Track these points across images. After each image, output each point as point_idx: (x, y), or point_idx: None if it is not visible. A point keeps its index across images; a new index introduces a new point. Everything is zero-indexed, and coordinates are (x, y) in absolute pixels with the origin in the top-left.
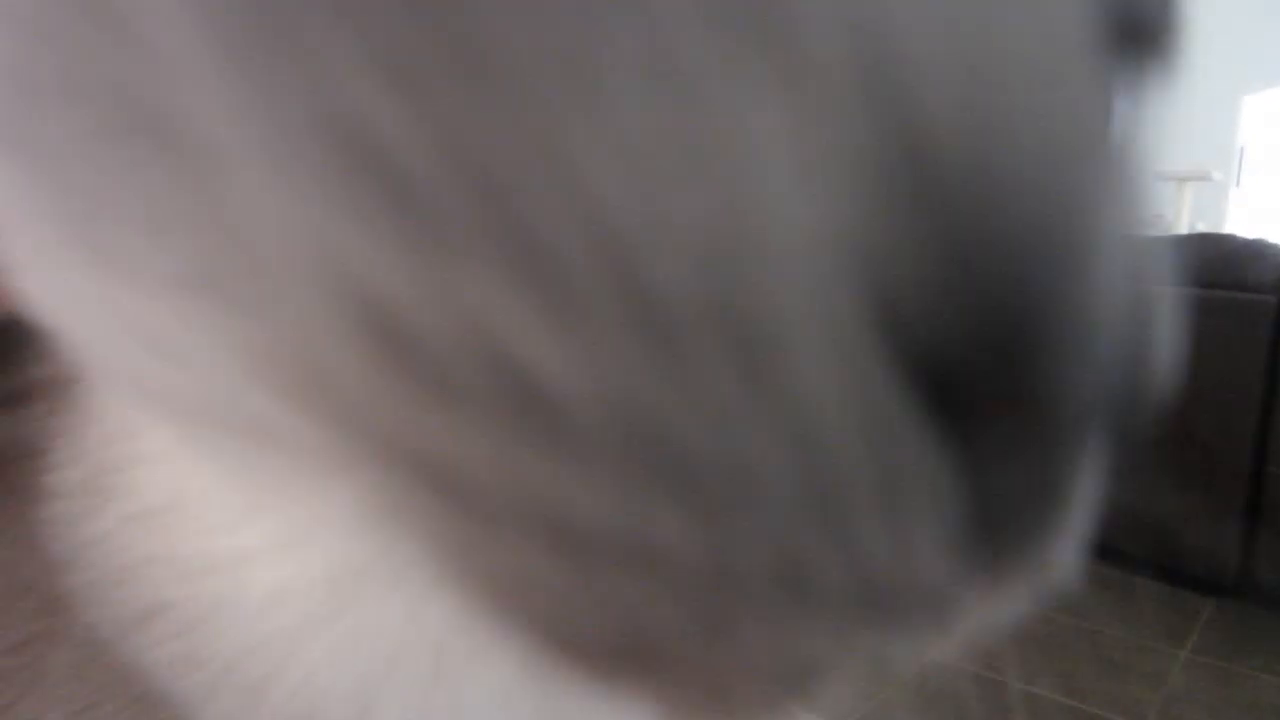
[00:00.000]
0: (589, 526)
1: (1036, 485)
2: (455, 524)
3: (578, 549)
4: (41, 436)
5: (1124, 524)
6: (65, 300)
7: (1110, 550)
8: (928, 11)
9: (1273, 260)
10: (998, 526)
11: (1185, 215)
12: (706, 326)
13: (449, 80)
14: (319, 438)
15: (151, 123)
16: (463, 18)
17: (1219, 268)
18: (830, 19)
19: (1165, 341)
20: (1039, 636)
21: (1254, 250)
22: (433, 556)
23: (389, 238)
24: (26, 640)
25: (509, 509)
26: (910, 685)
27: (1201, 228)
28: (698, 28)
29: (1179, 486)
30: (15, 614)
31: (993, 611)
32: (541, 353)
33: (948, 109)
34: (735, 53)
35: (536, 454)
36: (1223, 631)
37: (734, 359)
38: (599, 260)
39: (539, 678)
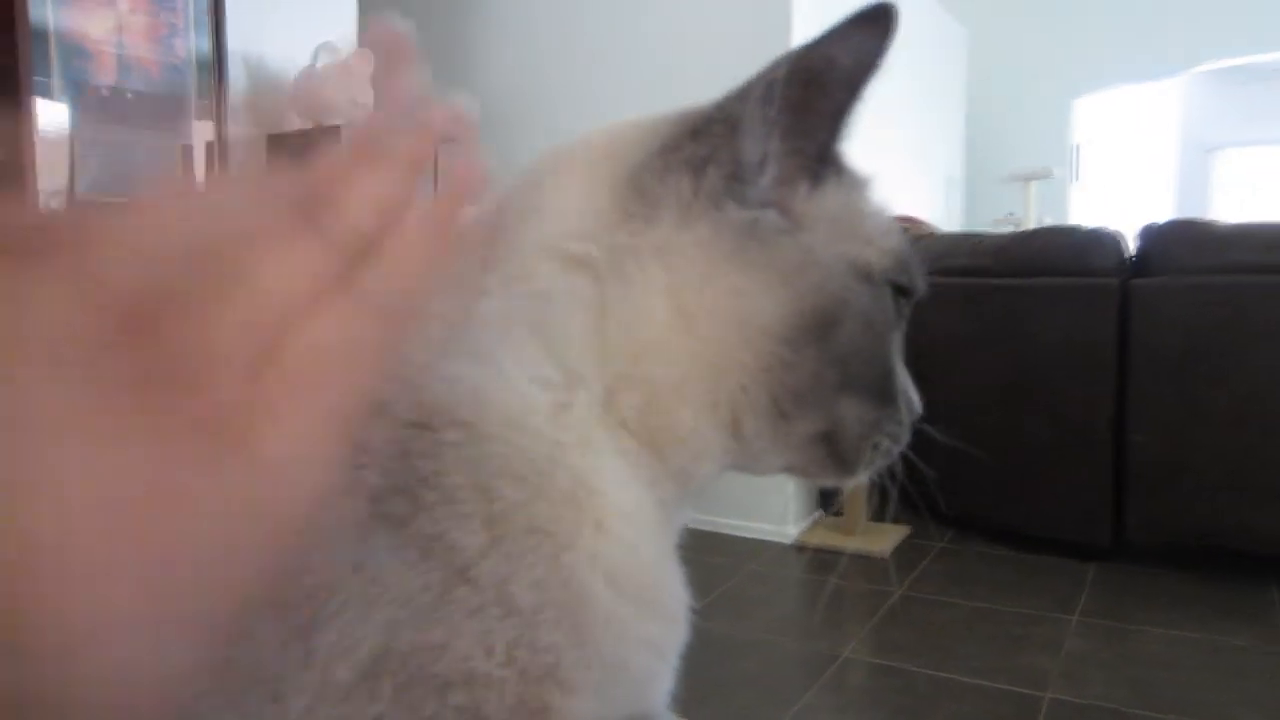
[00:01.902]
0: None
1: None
2: None
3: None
4: None
5: (1011, 505)
6: None
7: (1002, 531)
8: None
9: (1112, 247)
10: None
11: (1033, 210)
12: None
13: None
14: None
15: None
16: None
17: (1067, 256)
18: None
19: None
20: (944, 623)
21: (1096, 239)
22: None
23: None
24: None
25: None
26: (829, 685)
27: (1048, 221)
28: None
29: (1054, 463)
30: None
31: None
32: None
33: None
34: None
35: None
36: (1106, 593)
37: None
38: None
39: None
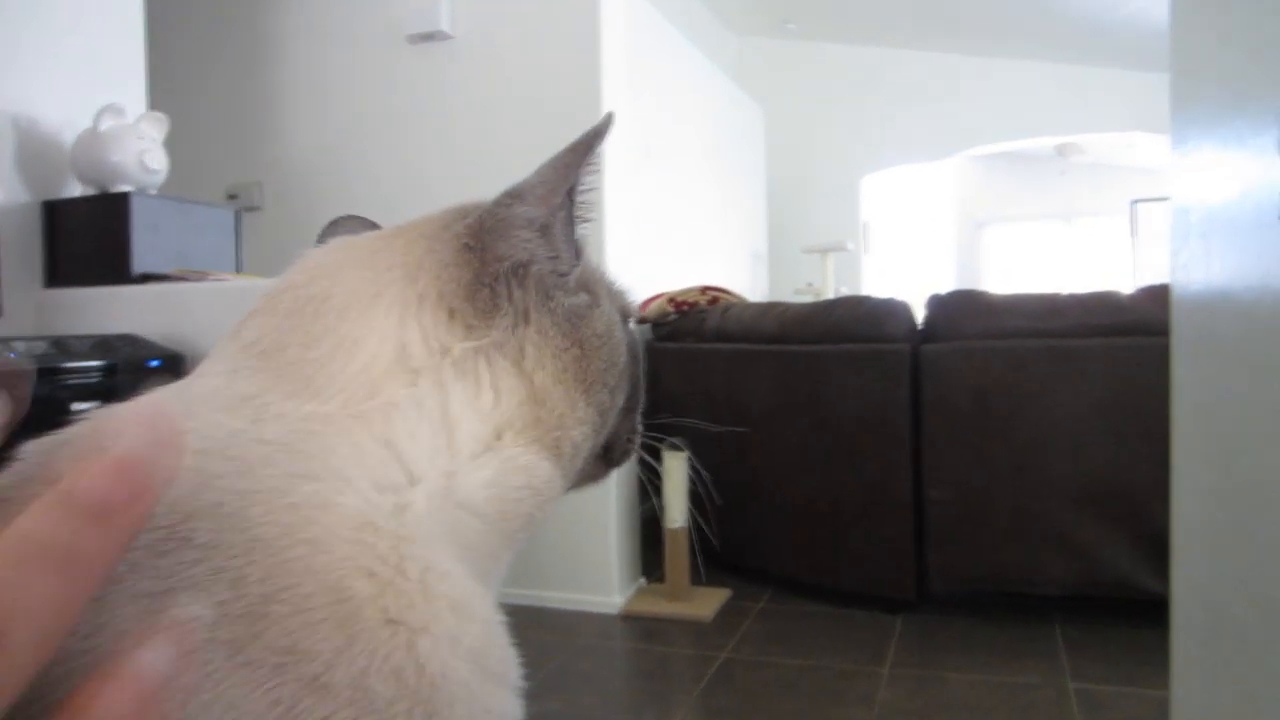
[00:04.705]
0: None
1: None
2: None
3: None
4: None
5: (823, 562)
6: None
7: (816, 588)
8: None
9: (904, 315)
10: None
11: (830, 280)
12: None
13: None
14: None
15: None
16: None
17: (865, 324)
18: None
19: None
20: (766, 683)
21: (889, 308)
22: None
23: None
24: None
25: None
26: None
27: (844, 290)
28: None
29: (860, 520)
30: None
31: None
32: None
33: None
34: None
35: None
36: (913, 643)
37: None
38: None
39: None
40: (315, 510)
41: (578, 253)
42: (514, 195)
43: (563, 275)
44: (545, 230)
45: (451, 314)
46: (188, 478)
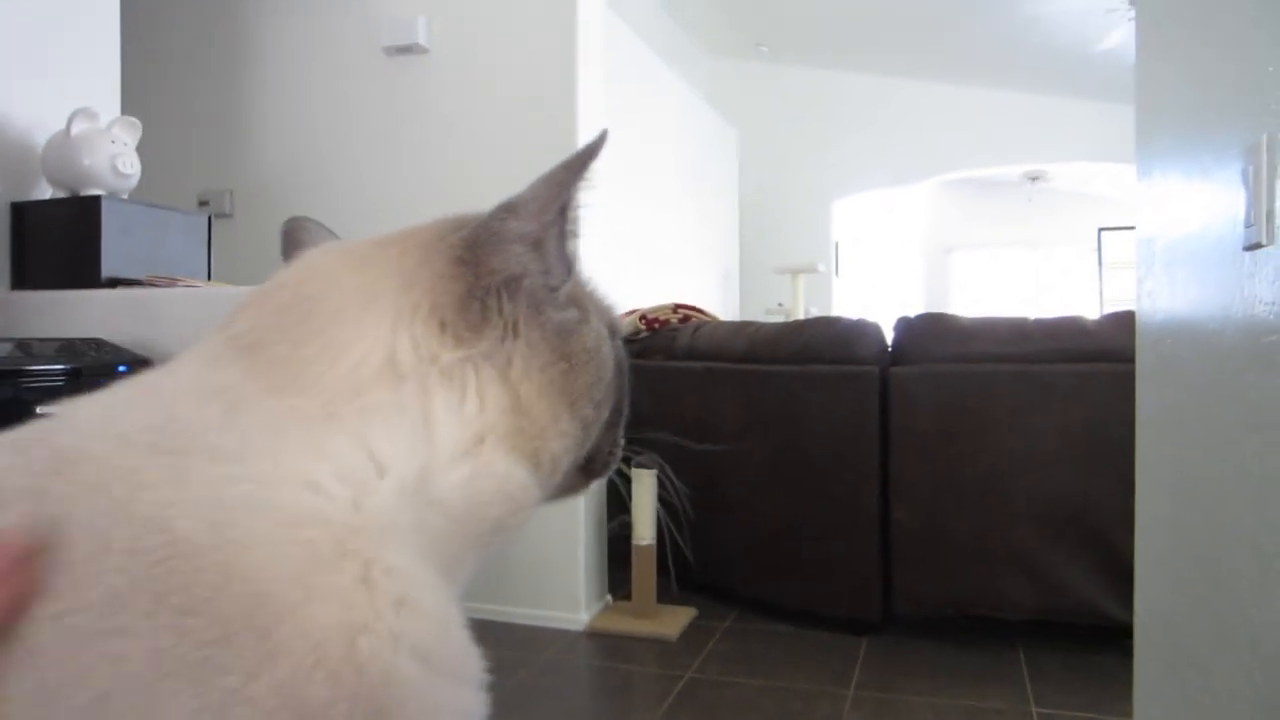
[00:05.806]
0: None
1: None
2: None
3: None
4: None
5: (789, 582)
6: None
7: (782, 609)
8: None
9: (874, 337)
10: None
11: (801, 301)
12: None
13: None
14: None
15: None
16: None
17: (835, 345)
18: None
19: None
20: (731, 703)
21: (859, 330)
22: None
23: None
24: None
25: None
26: None
27: (814, 311)
28: None
29: (827, 541)
30: None
31: None
32: None
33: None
34: None
35: None
36: (878, 665)
37: None
38: None
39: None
40: (241, 511)
41: (569, 268)
42: (508, 209)
43: (553, 290)
44: (538, 245)
45: (443, 325)
46: (116, 483)
